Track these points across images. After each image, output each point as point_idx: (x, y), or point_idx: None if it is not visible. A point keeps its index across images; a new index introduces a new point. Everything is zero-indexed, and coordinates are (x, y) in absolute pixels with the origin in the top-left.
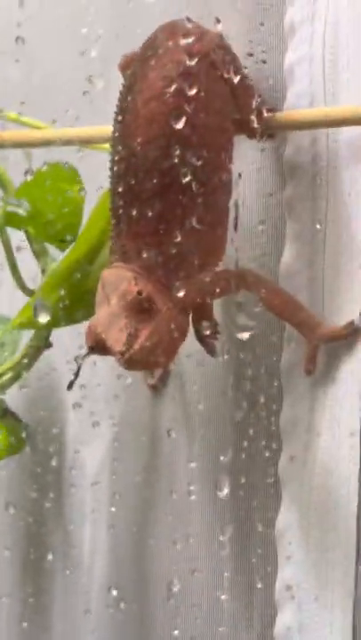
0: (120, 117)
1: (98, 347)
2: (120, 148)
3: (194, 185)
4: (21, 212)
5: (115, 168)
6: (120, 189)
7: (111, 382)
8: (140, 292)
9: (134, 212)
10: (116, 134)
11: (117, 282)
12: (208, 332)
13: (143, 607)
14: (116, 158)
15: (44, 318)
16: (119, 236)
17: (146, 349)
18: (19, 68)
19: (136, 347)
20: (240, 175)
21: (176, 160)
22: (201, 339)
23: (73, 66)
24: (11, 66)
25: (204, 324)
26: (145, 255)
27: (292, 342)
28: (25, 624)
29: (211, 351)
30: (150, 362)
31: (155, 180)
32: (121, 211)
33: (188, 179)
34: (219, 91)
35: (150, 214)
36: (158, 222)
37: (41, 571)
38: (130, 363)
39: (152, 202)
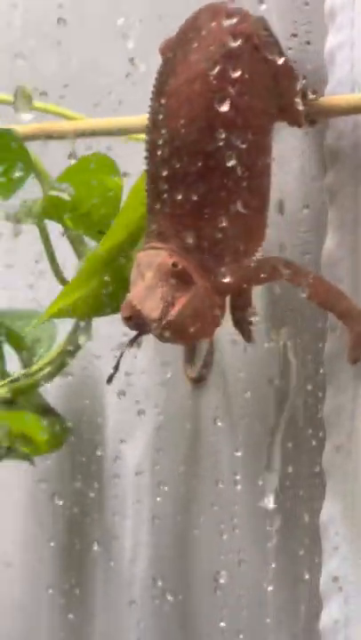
0: (159, 99)
1: (134, 318)
2: (159, 129)
3: (234, 168)
4: (65, 196)
5: (153, 150)
6: (158, 171)
7: (156, 370)
8: (175, 264)
9: (172, 194)
10: (156, 116)
11: (152, 259)
12: (246, 318)
13: (189, 598)
14: (155, 140)
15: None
16: (155, 217)
17: (182, 317)
18: (60, 51)
19: (173, 313)
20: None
21: (216, 142)
22: (238, 324)
23: (115, 48)
24: (53, 48)
25: (242, 311)
26: (182, 236)
27: (336, 330)
28: (70, 615)
29: (248, 337)
30: (186, 332)
31: (195, 162)
32: (158, 193)
33: (228, 161)
34: (261, 73)
35: (189, 196)
36: (197, 204)
37: (85, 562)
38: (166, 330)
39: (191, 184)
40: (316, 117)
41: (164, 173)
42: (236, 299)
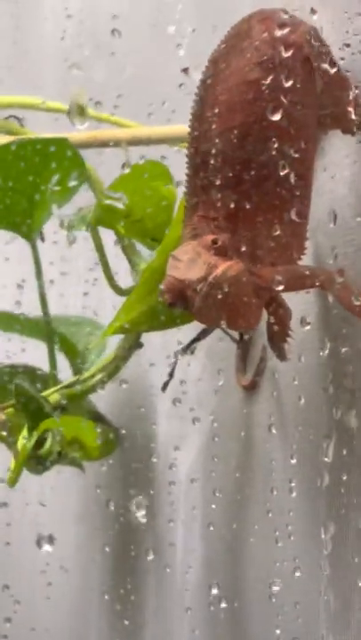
0: (202, 106)
1: (176, 288)
2: (203, 132)
3: (280, 175)
4: (119, 204)
5: (194, 155)
6: (199, 176)
7: (209, 378)
8: (215, 241)
9: (214, 198)
10: (200, 123)
11: (188, 249)
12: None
13: (244, 606)
14: (197, 146)
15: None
16: (192, 220)
17: (226, 278)
18: (114, 61)
19: (217, 273)
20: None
21: (264, 150)
22: (272, 339)
23: (168, 58)
24: (107, 59)
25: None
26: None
27: None
28: (125, 621)
29: (280, 355)
30: (227, 302)
31: (240, 169)
32: (197, 196)
33: (276, 169)
34: (310, 83)
35: (231, 201)
36: (238, 210)
37: (140, 568)
38: (211, 292)
39: (234, 189)
40: None
41: (206, 178)
42: (272, 312)
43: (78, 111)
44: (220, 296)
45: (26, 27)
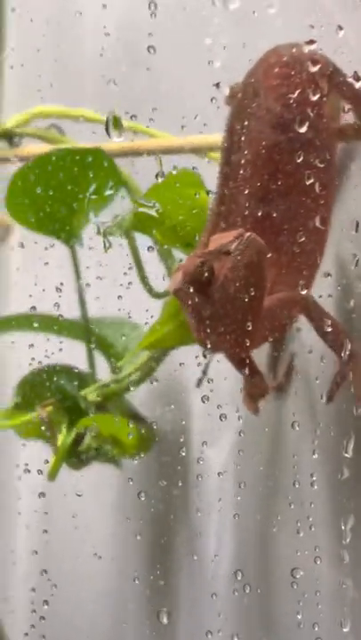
0: (232, 137)
1: (192, 268)
2: (232, 144)
3: (303, 183)
4: (153, 212)
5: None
6: (228, 188)
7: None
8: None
9: (236, 211)
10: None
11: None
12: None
13: (267, 592)
14: (228, 155)
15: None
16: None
17: (255, 250)
18: (150, 76)
19: (251, 235)
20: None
21: (286, 160)
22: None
23: (200, 74)
24: (143, 74)
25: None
26: None
27: None
28: (155, 605)
29: (279, 388)
30: (251, 280)
31: (269, 182)
32: (226, 202)
33: (303, 180)
34: (325, 114)
35: (256, 213)
36: (263, 216)
37: (170, 556)
38: (240, 263)
39: (258, 201)
40: None
41: (235, 188)
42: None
43: (115, 124)
44: (250, 260)
45: (66, 45)
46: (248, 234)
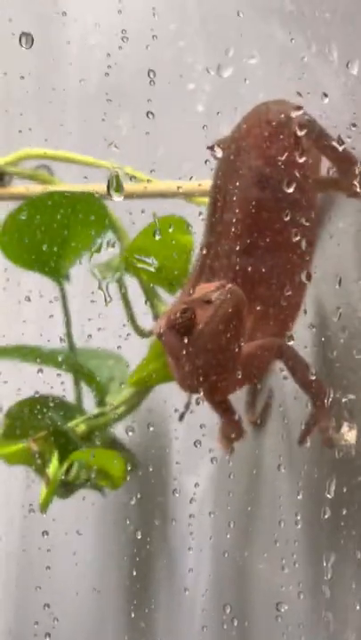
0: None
1: (184, 310)
2: (224, 203)
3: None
4: (151, 269)
5: (217, 223)
6: (223, 243)
7: None
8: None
9: (216, 262)
10: (224, 196)
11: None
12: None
13: (254, 625)
14: (221, 213)
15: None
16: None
17: (237, 299)
18: (148, 140)
19: (232, 286)
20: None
21: (259, 221)
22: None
23: (195, 138)
24: (142, 137)
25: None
26: None
27: None
28: (149, 638)
29: (257, 423)
30: (230, 327)
31: (257, 235)
32: (215, 257)
33: (287, 236)
34: (304, 169)
35: (247, 263)
36: (252, 271)
37: (162, 590)
38: (222, 309)
39: (251, 253)
40: None
41: (227, 244)
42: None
43: (116, 188)
44: (230, 310)
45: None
46: (230, 285)
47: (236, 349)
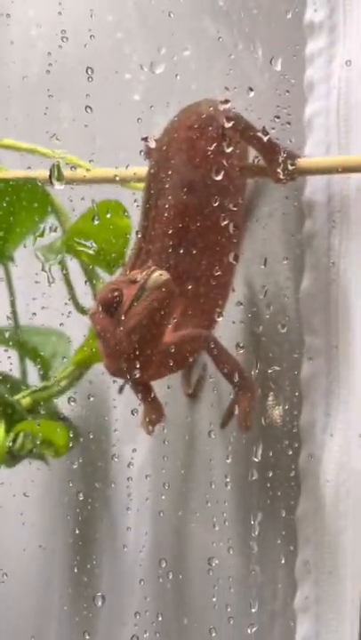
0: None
1: (106, 294)
2: (158, 190)
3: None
4: (91, 251)
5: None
6: (157, 227)
7: (160, 391)
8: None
9: (151, 249)
10: (157, 183)
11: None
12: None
13: (187, 578)
14: (155, 200)
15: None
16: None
17: (162, 276)
18: (88, 132)
19: (158, 270)
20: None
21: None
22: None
23: (132, 129)
24: (81, 130)
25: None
26: None
27: (311, 358)
28: (91, 590)
29: (192, 395)
30: (155, 307)
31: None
32: (150, 242)
33: (214, 220)
34: (232, 158)
35: (180, 247)
36: (184, 253)
37: (103, 548)
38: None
39: (184, 236)
40: (295, 176)
41: (160, 228)
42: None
43: (57, 176)
44: (154, 294)
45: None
46: (154, 267)
47: (159, 329)
